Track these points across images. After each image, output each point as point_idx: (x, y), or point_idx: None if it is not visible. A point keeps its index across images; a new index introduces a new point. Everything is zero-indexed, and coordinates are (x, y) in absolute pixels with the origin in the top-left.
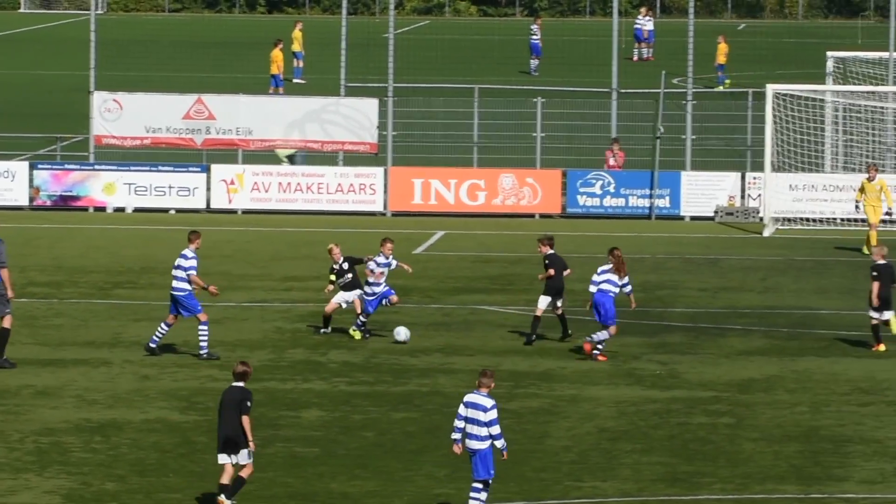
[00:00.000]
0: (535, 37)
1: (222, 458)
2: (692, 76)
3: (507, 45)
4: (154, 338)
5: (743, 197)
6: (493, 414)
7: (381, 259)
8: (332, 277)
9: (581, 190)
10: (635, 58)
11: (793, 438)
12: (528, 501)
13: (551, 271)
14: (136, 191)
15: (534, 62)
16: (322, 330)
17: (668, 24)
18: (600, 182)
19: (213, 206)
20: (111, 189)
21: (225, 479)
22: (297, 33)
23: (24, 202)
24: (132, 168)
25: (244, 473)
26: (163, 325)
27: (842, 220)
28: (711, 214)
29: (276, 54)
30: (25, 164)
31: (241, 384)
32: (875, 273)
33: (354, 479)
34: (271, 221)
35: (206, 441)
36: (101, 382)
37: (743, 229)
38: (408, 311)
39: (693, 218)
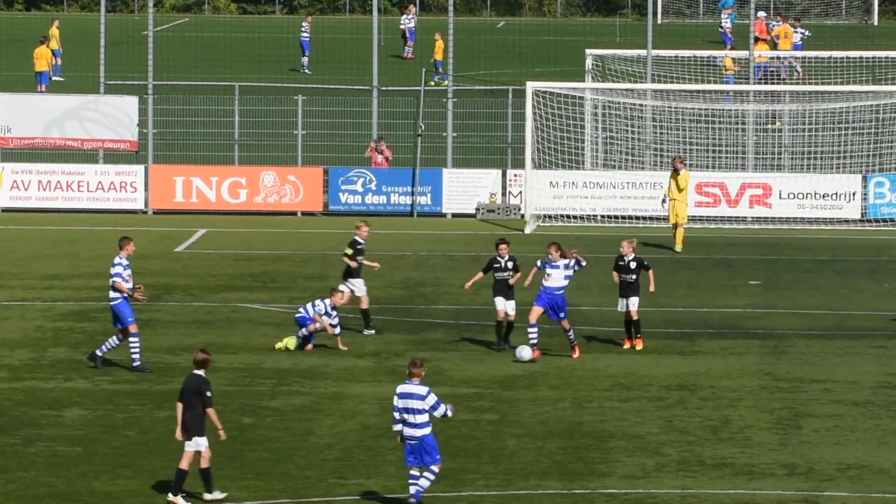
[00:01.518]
0: (304, 34)
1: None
2: (452, 74)
3: (268, 42)
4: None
5: (504, 194)
6: (433, 398)
7: None
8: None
9: (343, 187)
10: (407, 55)
11: (555, 434)
12: (293, 499)
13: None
14: None
15: (305, 59)
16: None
17: (428, 22)
18: (362, 179)
19: None
20: None
21: (183, 465)
22: (54, 30)
23: None
24: None
25: (184, 464)
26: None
27: (602, 216)
28: (473, 212)
29: (42, 51)
30: None
31: (200, 372)
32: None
33: (118, 477)
34: (31, 220)
35: None
36: None
37: (505, 226)
38: (169, 309)
39: (455, 215)
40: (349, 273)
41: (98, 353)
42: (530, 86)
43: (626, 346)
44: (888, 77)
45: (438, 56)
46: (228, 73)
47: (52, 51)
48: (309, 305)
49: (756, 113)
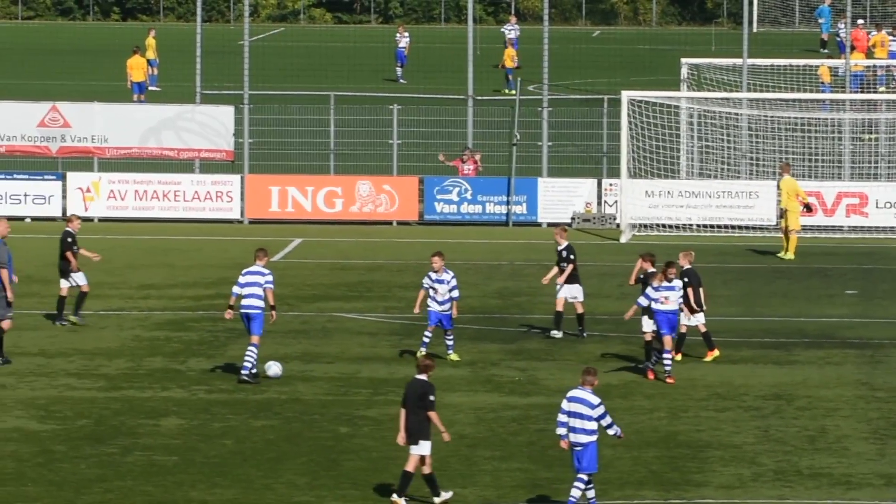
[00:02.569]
0: (401, 44)
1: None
2: (548, 83)
3: (363, 51)
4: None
5: (600, 203)
6: (601, 409)
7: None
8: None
9: (438, 197)
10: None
11: (651, 444)
12: None
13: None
14: None
15: (399, 69)
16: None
17: (523, 31)
18: (457, 189)
19: (70, 213)
20: None
21: (409, 467)
22: (150, 41)
23: None
24: None
25: (410, 467)
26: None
27: (698, 225)
28: (569, 221)
29: (136, 61)
30: None
31: (423, 377)
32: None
33: (214, 486)
34: (127, 229)
35: (64, 450)
36: None
37: (600, 235)
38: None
39: (550, 224)
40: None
41: (245, 370)
42: (625, 95)
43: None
44: None
45: (508, 63)
46: (324, 83)
47: (148, 61)
48: None
49: (852, 122)
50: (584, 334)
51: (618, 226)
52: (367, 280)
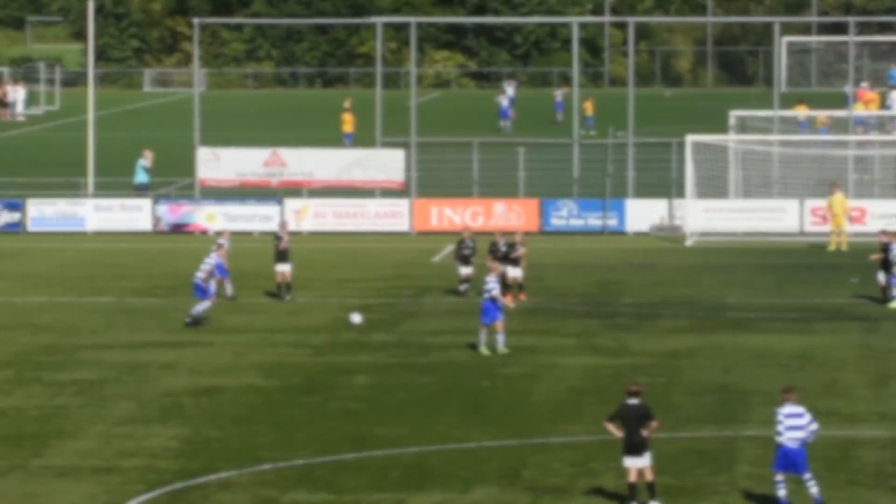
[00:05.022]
0: (558, 99)
1: (627, 462)
2: (633, 129)
3: (496, 109)
4: None
5: (671, 217)
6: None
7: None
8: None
9: (553, 213)
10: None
11: (710, 392)
12: (519, 440)
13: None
14: (229, 218)
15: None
16: None
17: (614, 93)
18: (567, 208)
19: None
20: (212, 218)
21: (632, 478)
22: (347, 104)
23: (149, 228)
24: (227, 202)
25: (651, 476)
26: None
27: (742, 233)
28: (648, 230)
29: (347, 117)
30: (149, 200)
31: (637, 400)
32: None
33: (392, 426)
34: (328, 240)
35: (283, 400)
36: (207, 358)
37: (671, 241)
38: (429, 304)
39: (635, 233)
40: None
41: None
42: (689, 138)
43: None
44: None
45: (589, 112)
46: (469, 133)
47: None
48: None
49: (855, 156)
50: None
51: (684, 234)
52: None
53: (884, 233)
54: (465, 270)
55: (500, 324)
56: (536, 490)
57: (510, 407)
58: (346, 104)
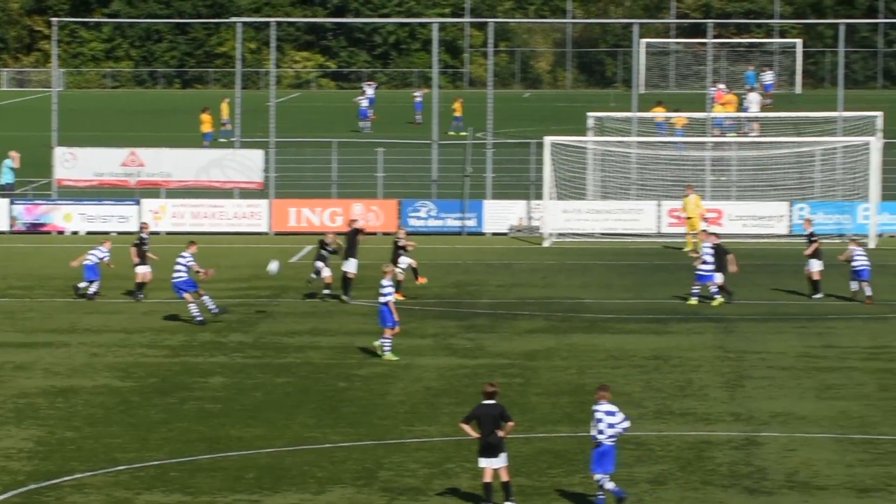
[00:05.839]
0: (417, 100)
1: (482, 462)
2: (492, 131)
3: (354, 109)
4: None
5: (529, 218)
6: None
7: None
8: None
9: (411, 214)
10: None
11: (565, 393)
12: (376, 441)
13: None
14: (86, 219)
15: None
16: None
17: (474, 94)
18: (425, 208)
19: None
20: (69, 218)
21: (487, 479)
22: (224, 106)
23: (5, 228)
24: (84, 202)
25: (506, 476)
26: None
27: (600, 234)
28: (506, 231)
29: (205, 117)
30: (6, 200)
31: (493, 401)
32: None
33: (248, 426)
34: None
35: (139, 400)
36: (63, 358)
37: (529, 242)
38: (286, 304)
39: (493, 234)
40: None
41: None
42: (547, 139)
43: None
44: (809, 131)
45: (457, 113)
46: (329, 133)
47: (222, 122)
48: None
49: (712, 157)
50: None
51: (541, 235)
52: (360, 275)
53: (853, 241)
54: (326, 272)
55: (390, 329)
56: (392, 491)
57: (366, 408)
58: (223, 105)
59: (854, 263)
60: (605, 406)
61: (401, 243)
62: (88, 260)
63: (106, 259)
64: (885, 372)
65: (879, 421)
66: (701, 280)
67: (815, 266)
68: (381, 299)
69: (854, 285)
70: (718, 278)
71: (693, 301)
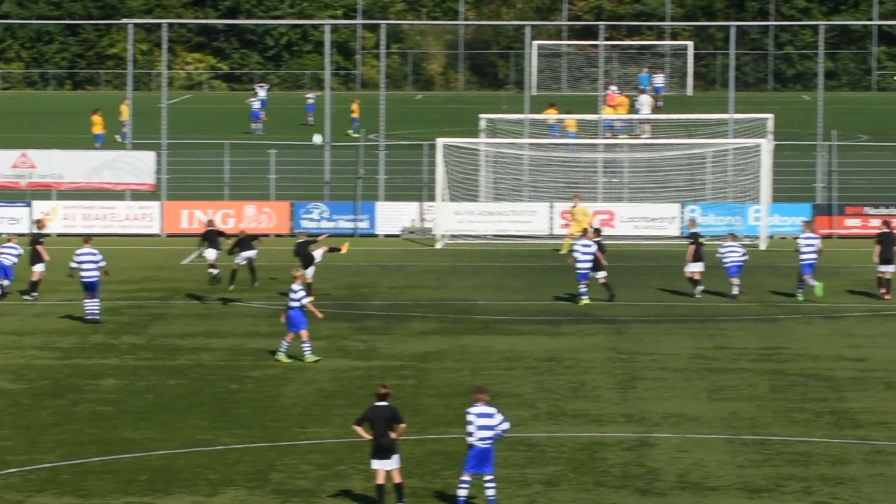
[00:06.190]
0: (309, 101)
1: (375, 464)
2: (384, 133)
3: (248, 111)
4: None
5: (421, 220)
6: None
7: None
8: None
9: (304, 216)
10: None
11: (458, 394)
12: (268, 443)
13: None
14: None
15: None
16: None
17: (366, 96)
18: (318, 210)
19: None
20: None
21: (380, 480)
22: (123, 107)
23: None
24: None
25: (399, 478)
26: None
27: (493, 235)
28: (399, 233)
29: (96, 119)
30: None
31: (385, 403)
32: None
33: (140, 428)
34: (78, 242)
35: (30, 403)
36: None
37: (422, 243)
38: (178, 306)
39: (386, 235)
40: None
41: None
42: (440, 141)
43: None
44: (700, 133)
45: (355, 114)
46: (221, 134)
47: (122, 122)
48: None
49: (604, 159)
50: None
51: (434, 236)
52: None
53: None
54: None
55: (304, 332)
56: (285, 493)
57: (259, 410)
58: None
59: (725, 260)
60: (479, 408)
61: (310, 247)
62: (6, 260)
63: (20, 254)
64: (776, 373)
65: (770, 422)
66: (582, 279)
67: (696, 267)
68: (292, 304)
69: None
70: (601, 276)
71: (585, 301)
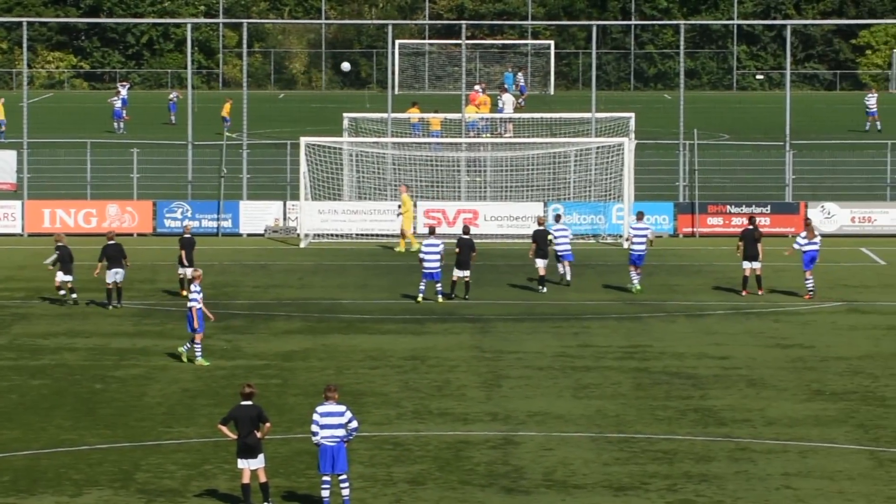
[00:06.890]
0: (172, 100)
1: (241, 463)
2: (247, 132)
3: (110, 110)
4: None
5: (285, 219)
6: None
7: None
8: None
9: (167, 215)
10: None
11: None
12: (133, 443)
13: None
14: None
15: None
16: None
17: (229, 95)
18: (181, 209)
19: None
20: None
21: (245, 480)
22: None
23: None
24: None
25: (264, 478)
26: None
27: (356, 234)
28: (262, 232)
29: None
30: None
31: (250, 402)
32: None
33: (3, 429)
34: None
35: None
36: None
37: (285, 242)
38: (41, 306)
39: (249, 235)
40: None
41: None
42: (303, 140)
43: None
44: (563, 132)
45: (225, 114)
46: (83, 133)
47: None
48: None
49: (467, 158)
50: None
51: (298, 235)
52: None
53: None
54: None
55: (199, 335)
56: (150, 492)
57: (123, 409)
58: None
59: (558, 248)
60: (326, 407)
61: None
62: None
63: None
64: (640, 371)
65: (634, 419)
66: (427, 277)
67: (540, 263)
68: (189, 304)
69: (560, 267)
70: (461, 274)
71: (439, 299)
